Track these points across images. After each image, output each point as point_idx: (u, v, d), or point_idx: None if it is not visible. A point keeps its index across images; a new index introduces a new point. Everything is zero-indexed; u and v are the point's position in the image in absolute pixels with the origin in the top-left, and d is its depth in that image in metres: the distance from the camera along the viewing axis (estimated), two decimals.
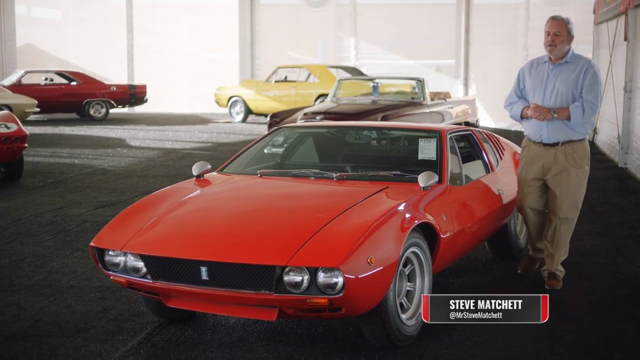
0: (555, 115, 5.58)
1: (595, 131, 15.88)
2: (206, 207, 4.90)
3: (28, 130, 17.37)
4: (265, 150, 6.34)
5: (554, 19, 5.69)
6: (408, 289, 4.69)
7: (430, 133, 5.74)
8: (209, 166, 5.58)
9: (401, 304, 4.61)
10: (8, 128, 10.30)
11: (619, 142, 12.44)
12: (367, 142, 6.22)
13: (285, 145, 6.45)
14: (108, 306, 5.38)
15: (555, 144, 5.66)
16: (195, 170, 5.53)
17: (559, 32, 5.61)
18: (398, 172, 5.31)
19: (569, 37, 5.65)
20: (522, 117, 5.79)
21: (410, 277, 4.71)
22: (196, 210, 4.83)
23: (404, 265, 4.61)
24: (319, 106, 13.67)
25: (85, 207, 8.81)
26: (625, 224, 8.07)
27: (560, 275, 5.79)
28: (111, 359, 4.46)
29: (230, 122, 20.78)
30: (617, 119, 12.77)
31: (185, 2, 26.45)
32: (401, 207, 4.64)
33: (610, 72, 14.06)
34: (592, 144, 15.75)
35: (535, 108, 5.63)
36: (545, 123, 5.63)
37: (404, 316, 4.56)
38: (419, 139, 5.69)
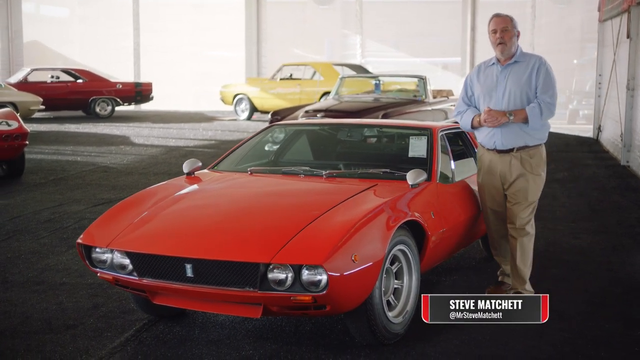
0: (512, 118, 5.13)
1: (599, 129, 15.84)
2: (193, 205, 4.90)
3: (33, 127, 17.56)
4: (266, 148, 6.34)
5: (498, 16, 5.28)
6: (395, 286, 4.69)
7: (421, 131, 5.73)
8: (200, 163, 5.59)
9: (388, 302, 4.61)
10: (9, 125, 10.34)
11: (621, 140, 12.40)
12: (359, 140, 6.20)
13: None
14: (99, 303, 5.40)
15: (510, 150, 5.23)
16: (185, 167, 5.54)
17: (506, 27, 5.20)
18: (387, 170, 5.31)
19: (516, 33, 5.25)
20: (474, 127, 5.36)
21: (398, 275, 4.70)
22: (183, 208, 4.82)
23: (392, 263, 4.61)
24: (320, 104, 13.68)
25: (84, 205, 8.84)
26: (623, 222, 8.04)
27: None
28: (98, 356, 4.47)
29: (235, 119, 20.80)
30: (620, 117, 12.72)
31: (191, 1, 26.50)
32: (388, 205, 4.63)
33: (614, 69, 14.01)
34: (597, 141, 15.71)
35: (489, 112, 5.16)
36: (500, 128, 5.19)
37: (390, 314, 4.56)
38: (410, 137, 5.69)
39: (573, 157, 13.44)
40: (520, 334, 4.76)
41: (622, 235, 7.42)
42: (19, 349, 4.57)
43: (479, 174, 5.49)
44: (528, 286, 5.33)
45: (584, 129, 18.38)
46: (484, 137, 5.35)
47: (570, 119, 22.02)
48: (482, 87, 5.33)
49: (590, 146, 15.19)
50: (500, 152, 5.27)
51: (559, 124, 20.62)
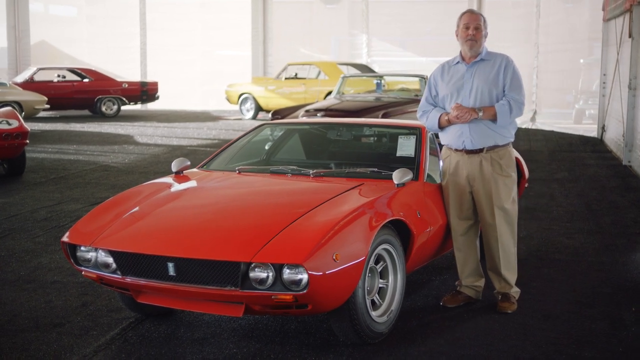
0: (481, 114, 5.03)
1: (603, 129, 15.78)
2: (178, 204, 4.90)
3: (39, 127, 17.65)
4: (266, 147, 6.35)
5: (472, 13, 5.20)
6: (380, 286, 4.69)
7: (410, 130, 5.73)
8: (188, 162, 5.61)
9: (373, 301, 4.61)
10: (9, 124, 10.38)
11: (623, 139, 12.36)
12: (349, 139, 6.20)
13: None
14: (87, 301, 5.42)
15: (480, 151, 5.12)
16: (174, 166, 5.56)
17: (479, 25, 5.12)
18: (375, 169, 5.31)
19: (485, 34, 5.17)
20: (441, 126, 5.21)
21: (383, 274, 4.70)
22: (168, 207, 4.82)
23: (376, 262, 4.61)
24: (321, 103, 13.68)
25: (82, 203, 8.87)
26: (618, 222, 8.01)
27: (514, 297, 5.26)
28: (82, 354, 4.48)
29: (240, 119, 20.82)
30: (622, 117, 12.68)
31: (198, 0, 26.56)
32: (371, 204, 4.63)
33: (617, 69, 13.96)
34: (601, 141, 15.65)
35: (459, 107, 5.05)
36: (468, 127, 5.08)
37: (374, 313, 4.56)
38: (399, 136, 5.68)
39: (575, 157, 13.40)
40: (504, 334, 4.76)
41: (617, 235, 7.39)
42: (4, 347, 4.59)
43: (443, 177, 5.33)
44: (515, 288, 5.30)
45: (590, 129, 18.31)
46: (451, 138, 5.22)
47: (577, 118, 21.96)
48: (447, 86, 5.22)
49: (594, 146, 15.13)
50: (469, 152, 5.16)
51: (565, 124, 20.58)
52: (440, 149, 5.52)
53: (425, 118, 5.32)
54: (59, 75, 21.00)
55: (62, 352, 4.52)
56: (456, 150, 5.22)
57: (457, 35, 5.22)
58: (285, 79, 20.33)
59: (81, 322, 5.01)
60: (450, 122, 5.16)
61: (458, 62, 5.25)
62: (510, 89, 5.10)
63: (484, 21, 5.19)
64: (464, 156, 5.18)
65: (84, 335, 4.78)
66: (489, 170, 5.13)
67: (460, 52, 5.25)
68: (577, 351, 4.50)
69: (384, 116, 11.74)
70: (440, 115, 5.20)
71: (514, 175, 5.24)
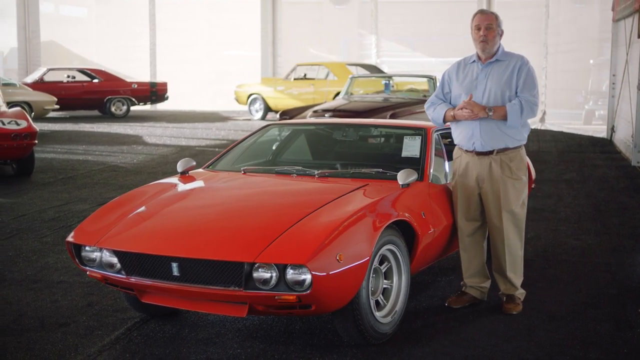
0: (491, 114, 4.97)
1: (613, 129, 15.73)
2: (182, 204, 4.90)
3: (48, 127, 17.72)
4: (273, 148, 6.35)
5: (483, 13, 5.14)
6: (385, 286, 4.68)
7: (416, 130, 5.72)
8: (194, 163, 5.62)
9: (377, 302, 4.61)
10: (18, 125, 10.42)
11: (632, 140, 12.31)
12: (355, 139, 6.19)
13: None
14: (93, 301, 5.43)
15: (490, 153, 5.08)
16: (179, 167, 5.57)
17: (491, 25, 5.06)
18: (380, 170, 5.30)
19: (500, 32, 5.11)
20: (445, 121, 5.20)
21: (387, 275, 4.70)
22: (172, 207, 4.83)
23: (381, 263, 4.61)
24: (329, 104, 13.68)
25: (90, 204, 8.89)
26: (626, 223, 7.98)
27: (520, 299, 5.23)
28: (86, 354, 4.49)
29: (249, 119, 20.84)
30: (632, 117, 12.63)
31: (207, 0, 26.59)
32: (376, 205, 4.63)
33: (627, 69, 13.92)
34: (610, 142, 15.60)
35: (469, 103, 4.99)
36: (479, 128, 5.04)
37: (379, 314, 4.56)
38: (405, 137, 5.68)
39: (584, 157, 13.36)
40: (508, 334, 4.75)
41: (624, 237, 7.36)
42: (9, 346, 4.61)
43: (453, 177, 5.32)
44: (520, 289, 5.29)
45: (599, 130, 18.25)
46: (462, 139, 5.19)
47: (586, 119, 21.87)
48: (461, 86, 5.17)
49: (603, 147, 15.08)
50: (479, 154, 5.12)
51: (575, 125, 20.51)
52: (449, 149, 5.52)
53: (432, 109, 5.28)
54: (68, 76, 21.08)
55: (67, 351, 4.53)
56: (467, 151, 5.19)
57: (472, 37, 5.17)
58: (294, 79, 20.35)
59: (86, 321, 5.03)
60: (454, 118, 5.13)
61: (474, 61, 5.20)
62: (522, 89, 5.04)
63: (497, 19, 5.12)
64: (474, 157, 5.15)
65: (88, 335, 4.80)
66: (498, 172, 5.09)
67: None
68: (582, 352, 4.49)
69: (392, 117, 11.73)
70: (447, 111, 5.17)
71: (525, 178, 5.18)
